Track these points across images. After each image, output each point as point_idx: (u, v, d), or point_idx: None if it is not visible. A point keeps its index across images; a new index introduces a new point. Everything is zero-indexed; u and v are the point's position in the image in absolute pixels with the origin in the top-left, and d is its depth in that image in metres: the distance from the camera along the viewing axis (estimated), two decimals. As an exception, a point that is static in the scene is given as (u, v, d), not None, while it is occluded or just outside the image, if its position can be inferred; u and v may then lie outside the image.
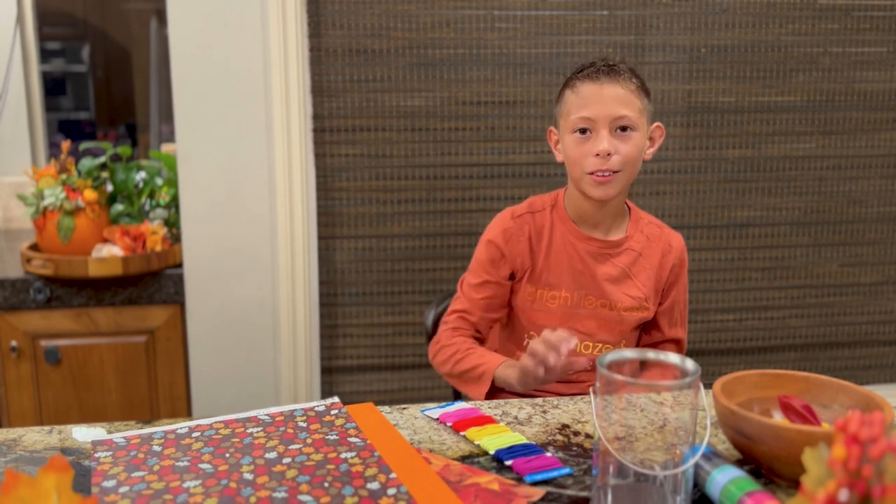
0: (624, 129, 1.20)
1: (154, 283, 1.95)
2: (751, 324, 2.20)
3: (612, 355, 0.77)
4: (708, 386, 0.96)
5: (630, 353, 0.78)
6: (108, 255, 1.91)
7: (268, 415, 0.98)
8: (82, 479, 0.88)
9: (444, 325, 1.35)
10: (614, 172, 1.20)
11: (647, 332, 1.36)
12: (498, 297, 1.32)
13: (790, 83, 2.09)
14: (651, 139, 1.27)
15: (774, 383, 0.94)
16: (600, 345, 1.29)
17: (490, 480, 0.86)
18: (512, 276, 1.32)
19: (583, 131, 1.21)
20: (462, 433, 0.98)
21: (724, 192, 2.13)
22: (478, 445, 0.95)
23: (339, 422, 0.96)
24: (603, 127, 1.19)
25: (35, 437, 0.99)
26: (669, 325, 1.34)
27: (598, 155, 1.19)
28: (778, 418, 0.91)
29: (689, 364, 0.75)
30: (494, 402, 1.10)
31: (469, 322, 1.33)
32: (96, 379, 1.95)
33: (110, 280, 1.91)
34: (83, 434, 0.99)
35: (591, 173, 1.20)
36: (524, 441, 0.94)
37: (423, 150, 2.00)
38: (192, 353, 1.97)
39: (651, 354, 0.78)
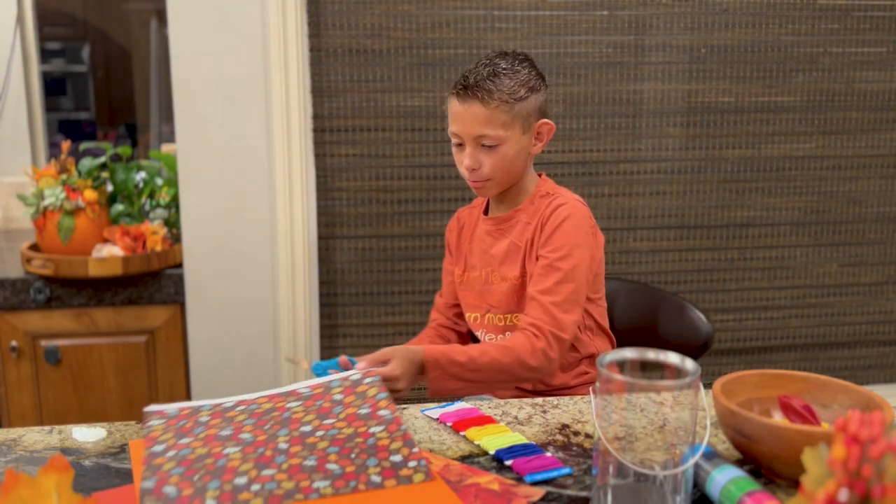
0: (488, 145, 1.25)
1: (154, 283, 1.95)
2: (751, 324, 2.20)
3: (612, 355, 0.77)
4: (708, 386, 0.96)
5: (630, 353, 0.78)
6: (108, 255, 1.91)
7: (308, 387, 1.02)
8: (82, 479, 0.88)
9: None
10: (486, 180, 1.28)
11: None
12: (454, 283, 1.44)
13: (790, 83, 2.09)
14: (539, 134, 1.30)
15: (774, 383, 0.94)
16: (510, 315, 1.33)
17: (490, 480, 0.86)
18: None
19: (458, 144, 1.28)
20: (462, 433, 0.98)
21: (724, 192, 2.13)
22: (478, 445, 0.95)
23: (371, 392, 0.99)
24: (468, 143, 1.26)
25: (35, 437, 0.99)
26: (534, 285, 1.25)
27: (465, 168, 1.27)
28: (778, 418, 0.91)
29: (689, 364, 0.75)
30: (495, 401, 1.11)
31: (439, 311, 1.46)
32: (96, 379, 1.95)
33: (110, 280, 1.91)
34: (83, 434, 0.99)
35: (466, 179, 1.30)
36: (524, 441, 0.94)
37: (423, 150, 2.00)
38: (192, 353, 1.97)
39: (651, 354, 0.78)
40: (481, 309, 1.36)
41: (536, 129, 1.29)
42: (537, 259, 1.27)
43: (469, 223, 1.43)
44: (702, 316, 1.48)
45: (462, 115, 1.25)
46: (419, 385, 1.22)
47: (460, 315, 1.43)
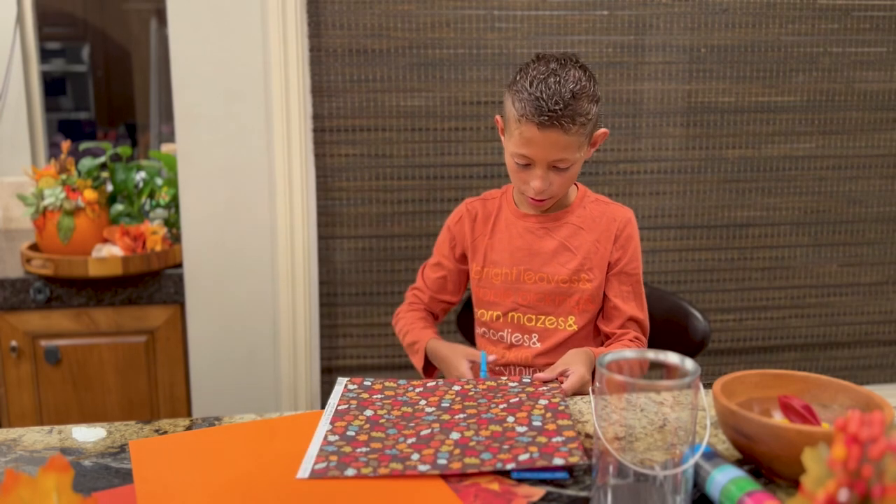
0: (562, 168, 1.24)
1: (154, 283, 1.95)
2: (751, 324, 2.20)
3: (612, 355, 0.77)
4: (708, 386, 0.96)
5: (630, 354, 0.78)
6: (108, 255, 1.91)
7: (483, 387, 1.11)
8: (82, 479, 0.88)
9: (405, 298, 1.50)
10: (550, 197, 1.28)
11: (605, 315, 1.36)
12: (450, 280, 1.44)
13: (790, 83, 2.09)
14: (593, 143, 1.29)
15: (774, 383, 0.94)
16: (543, 316, 1.33)
17: (490, 480, 0.86)
18: (466, 259, 1.42)
19: (524, 164, 1.24)
20: None
21: (724, 192, 2.13)
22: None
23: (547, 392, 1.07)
24: (541, 167, 1.23)
25: (35, 437, 0.99)
26: (624, 301, 1.33)
27: (533, 188, 1.25)
28: (778, 418, 0.91)
29: (689, 364, 0.75)
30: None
31: (421, 300, 1.47)
32: (96, 379, 1.95)
33: (110, 280, 1.91)
34: (82, 434, 0.99)
35: (527, 195, 1.28)
36: None
37: (423, 150, 2.00)
38: (192, 353, 1.97)
39: (651, 354, 0.78)
40: (503, 307, 1.35)
41: (594, 138, 1.28)
42: (611, 269, 1.32)
43: (487, 216, 1.39)
44: (699, 315, 1.49)
45: (539, 142, 1.20)
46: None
47: (435, 303, 1.47)
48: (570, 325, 1.32)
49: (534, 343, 1.34)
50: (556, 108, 1.17)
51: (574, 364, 1.16)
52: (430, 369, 1.38)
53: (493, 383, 1.11)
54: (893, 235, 2.22)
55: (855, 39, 2.09)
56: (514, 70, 1.30)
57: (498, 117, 1.32)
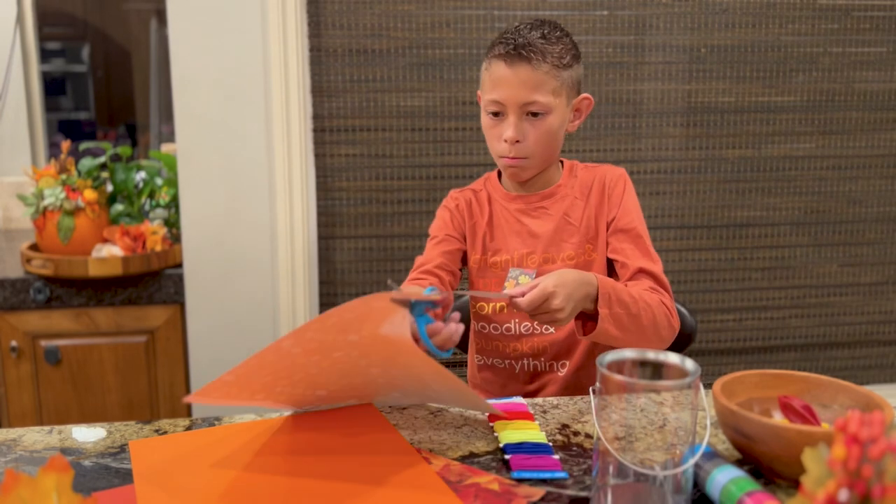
0: (535, 114, 1.16)
1: (154, 283, 1.95)
2: (751, 324, 2.20)
3: (612, 355, 0.77)
4: (708, 386, 0.96)
5: (630, 353, 0.78)
6: (108, 255, 1.91)
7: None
8: (82, 479, 0.88)
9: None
10: (524, 158, 1.19)
11: (616, 271, 1.26)
12: (454, 252, 1.29)
13: (790, 83, 2.09)
14: (577, 110, 1.23)
15: (774, 383, 0.94)
16: None
17: (490, 480, 0.86)
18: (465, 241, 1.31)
19: (495, 114, 1.18)
20: (491, 424, 0.99)
21: (724, 192, 2.13)
22: (480, 445, 0.95)
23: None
24: (513, 112, 1.16)
25: (35, 437, 0.99)
26: (631, 255, 1.22)
27: (506, 141, 1.17)
28: (778, 418, 0.91)
29: (689, 364, 0.75)
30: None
31: (429, 271, 1.27)
32: (96, 379, 1.95)
33: (110, 280, 1.91)
34: (82, 434, 0.99)
35: (502, 156, 1.20)
36: (542, 441, 0.94)
37: (423, 150, 2.00)
38: (192, 353, 1.97)
39: (651, 355, 0.78)
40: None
41: (576, 104, 1.22)
42: (609, 229, 1.22)
43: (479, 205, 1.30)
44: (685, 311, 1.47)
45: (509, 80, 1.14)
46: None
47: (454, 263, 1.30)
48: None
49: (547, 329, 1.24)
50: (524, 40, 1.14)
51: (549, 275, 1.03)
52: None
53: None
54: (893, 235, 2.22)
55: (855, 39, 2.09)
56: None
57: (479, 92, 1.24)
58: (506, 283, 1.15)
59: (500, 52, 1.16)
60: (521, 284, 1.03)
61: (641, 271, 1.19)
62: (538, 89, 1.14)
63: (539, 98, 1.15)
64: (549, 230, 1.24)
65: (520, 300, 1.00)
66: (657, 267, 1.20)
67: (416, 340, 0.92)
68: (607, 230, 1.24)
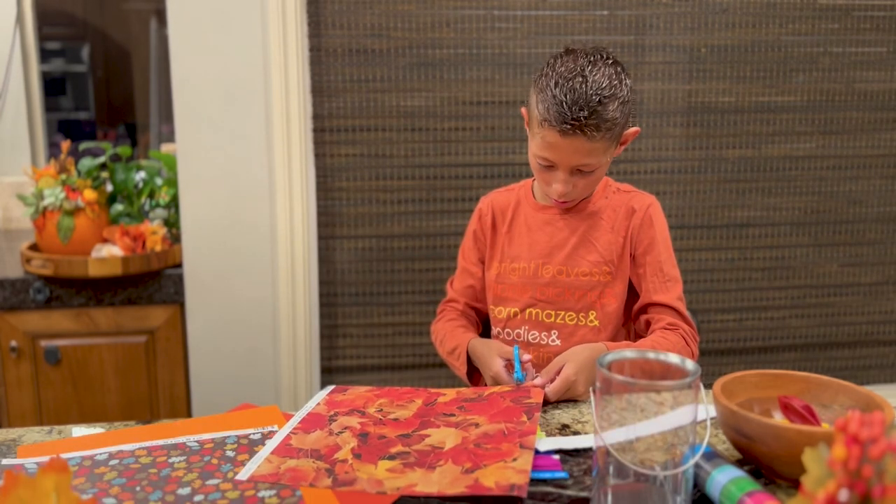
0: (584, 171, 1.19)
1: (154, 283, 1.95)
2: (751, 324, 2.20)
3: (612, 355, 0.77)
4: (708, 386, 0.96)
5: (630, 353, 0.78)
6: (108, 255, 1.91)
7: (197, 441, 0.94)
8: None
9: (437, 314, 1.43)
10: (572, 199, 1.24)
11: (636, 305, 1.29)
12: (476, 287, 1.37)
13: (790, 83, 2.09)
14: (623, 142, 1.23)
15: (774, 383, 0.94)
16: (562, 312, 1.26)
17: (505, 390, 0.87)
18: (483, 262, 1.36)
19: (547, 166, 1.19)
20: None
21: (724, 192, 2.12)
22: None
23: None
24: (563, 170, 1.18)
25: (35, 437, 0.99)
26: (654, 290, 1.25)
27: (555, 194, 1.20)
28: (778, 418, 0.91)
29: (689, 364, 0.75)
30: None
31: (456, 309, 1.40)
32: (96, 379, 1.95)
33: (110, 280, 1.91)
34: (82, 434, 0.99)
35: (550, 197, 1.24)
36: (541, 438, 0.94)
37: (423, 150, 2.00)
38: (192, 353, 1.97)
39: (651, 355, 0.78)
40: (521, 303, 1.28)
41: (623, 137, 1.21)
42: (633, 259, 1.26)
43: (505, 210, 1.33)
44: None
45: (562, 147, 1.14)
46: (419, 386, 1.21)
47: (475, 298, 1.39)
48: (591, 321, 1.25)
49: (553, 341, 1.27)
50: (580, 115, 1.10)
51: (568, 362, 1.11)
52: (476, 375, 1.30)
53: (472, 396, 1.04)
54: (893, 235, 2.22)
55: (855, 39, 2.09)
56: (543, 63, 1.21)
57: (523, 109, 1.24)
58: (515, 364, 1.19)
59: (555, 123, 1.12)
60: (535, 374, 1.15)
61: (660, 305, 1.24)
62: (590, 155, 1.16)
63: (591, 161, 1.17)
64: (570, 245, 1.27)
65: (546, 391, 1.08)
66: (673, 296, 1.24)
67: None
68: (631, 258, 1.27)
